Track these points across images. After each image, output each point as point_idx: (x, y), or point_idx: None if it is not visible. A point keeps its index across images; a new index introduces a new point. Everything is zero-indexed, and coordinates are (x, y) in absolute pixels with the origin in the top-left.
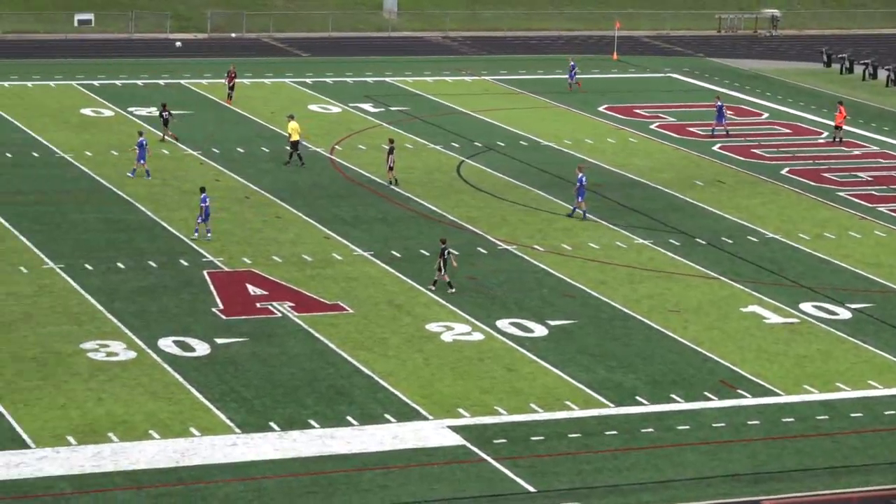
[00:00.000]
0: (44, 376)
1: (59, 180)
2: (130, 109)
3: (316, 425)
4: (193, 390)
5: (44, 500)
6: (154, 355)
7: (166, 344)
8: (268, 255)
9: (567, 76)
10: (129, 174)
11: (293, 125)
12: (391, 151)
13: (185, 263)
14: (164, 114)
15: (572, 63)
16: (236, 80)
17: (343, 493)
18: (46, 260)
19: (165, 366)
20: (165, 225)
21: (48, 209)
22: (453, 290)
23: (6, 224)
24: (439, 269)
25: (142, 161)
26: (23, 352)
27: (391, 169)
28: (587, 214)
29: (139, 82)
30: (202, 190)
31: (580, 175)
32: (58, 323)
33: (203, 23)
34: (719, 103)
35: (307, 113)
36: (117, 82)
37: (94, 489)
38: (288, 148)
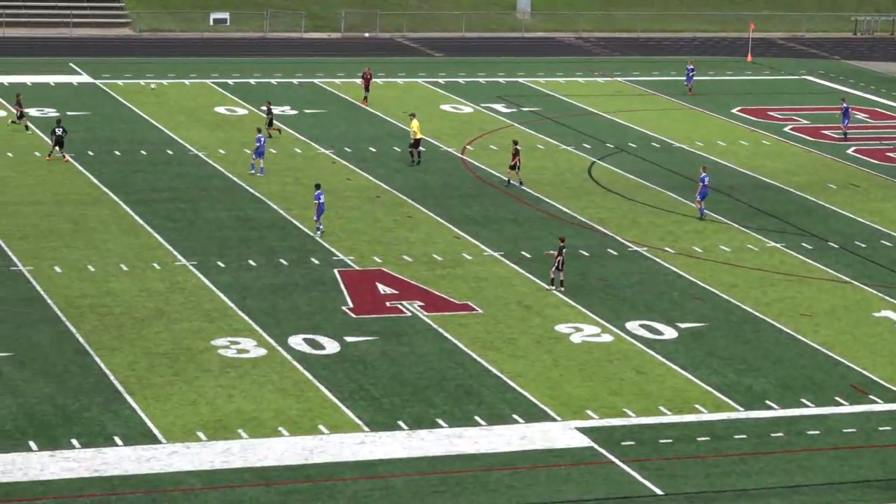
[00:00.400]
0: (175, 372)
1: (193, 178)
2: (264, 108)
3: (444, 425)
4: (322, 388)
5: (173, 495)
6: (284, 353)
7: (296, 342)
8: (398, 255)
9: (685, 79)
10: (250, 172)
11: (415, 124)
12: (516, 153)
13: (316, 262)
14: (269, 112)
15: (690, 66)
16: (372, 80)
17: (470, 492)
18: (179, 257)
19: (295, 363)
20: (297, 223)
21: (182, 206)
22: (562, 290)
23: (140, 221)
24: (558, 268)
25: (259, 157)
26: (155, 348)
27: (514, 168)
28: (704, 213)
29: (273, 81)
30: (317, 186)
31: (703, 175)
32: (190, 319)
33: (337, 22)
34: (845, 105)
35: (439, 113)
36: (251, 81)
37: (223, 485)
38: (410, 148)
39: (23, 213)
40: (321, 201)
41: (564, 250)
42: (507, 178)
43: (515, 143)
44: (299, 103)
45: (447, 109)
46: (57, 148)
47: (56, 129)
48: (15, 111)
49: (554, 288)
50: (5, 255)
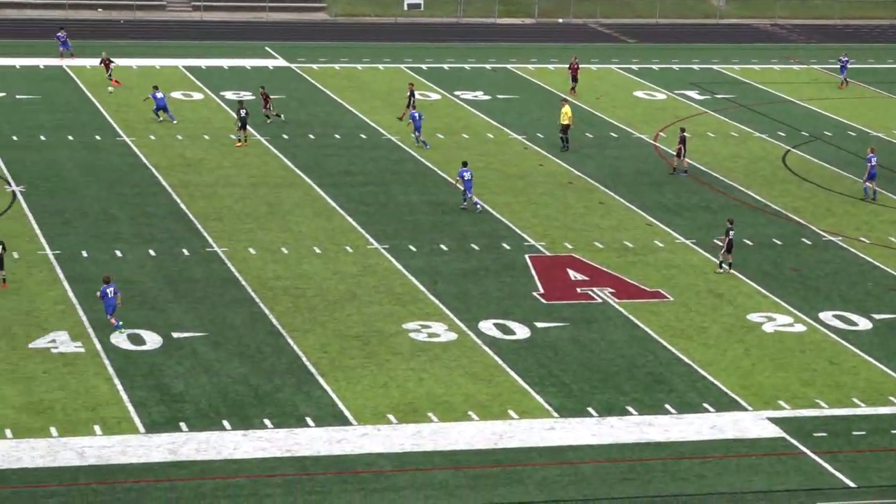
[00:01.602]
0: (367, 355)
1: (386, 162)
2: (457, 93)
3: (634, 412)
4: (512, 373)
5: (364, 476)
6: (475, 337)
7: (487, 326)
8: (589, 241)
9: (839, 71)
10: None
11: (566, 110)
12: (683, 140)
13: (507, 247)
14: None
15: (844, 58)
16: (579, 67)
17: (659, 480)
18: (371, 240)
19: (485, 348)
20: (489, 208)
21: (375, 190)
22: (721, 271)
23: (333, 204)
24: (728, 251)
25: (417, 133)
26: (347, 330)
27: (680, 156)
28: (875, 193)
29: (466, 66)
30: (464, 164)
31: (871, 156)
32: (381, 303)
33: (531, 8)
34: None
35: (632, 99)
36: (444, 66)
37: (413, 468)
38: (560, 134)
39: (218, 195)
40: (466, 178)
41: (732, 232)
42: (673, 167)
43: (683, 130)
44: (492, 89)
45: (640, 96)
46: (242, 130)
47: (240, 111)
48: (261, 104)
49: (723, 271)
50: (201, 237)
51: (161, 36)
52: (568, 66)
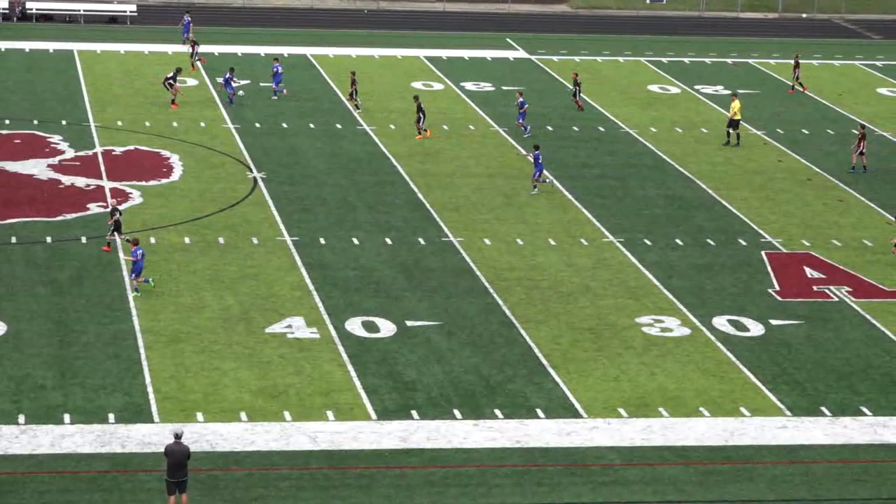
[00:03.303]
0: (599, 348)
1: (624, 155)
2: (697, 87)
3: (868, 413)
4: (745, 370)
5: (593, 469)
6: (708, 333)
7: (720, 322)
8: (827, 239)
9: None
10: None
11: (736, 104)
12: (862, 137)
13: (744, 243)
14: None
15: None
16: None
17: (894, 483)
18: (606, 233)
19: (718, 344)
20: (726, 203)
21: (611, 183)
22: None
23: (570, 196)
24: None
25: (520, 119)
26: (580, 322)
27: (861, 154)
28: None
29: (707, 60)
30: (535, 147)
31: None
32: (615, 296)
33: (774, 2)
34: None
35: (875, 97)
36: (685, 60)
37: (643, 462)
38: (727, 128)
39: (455, 185)
40: (537, 161)
41: None
42: (853, 164)
43: (862, 127)
44: (732, 83)
45: (884, 93)
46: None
47: (418, 105)
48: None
49: None
50: (437, 226)
51: (403, 26)
52: (793, 62)
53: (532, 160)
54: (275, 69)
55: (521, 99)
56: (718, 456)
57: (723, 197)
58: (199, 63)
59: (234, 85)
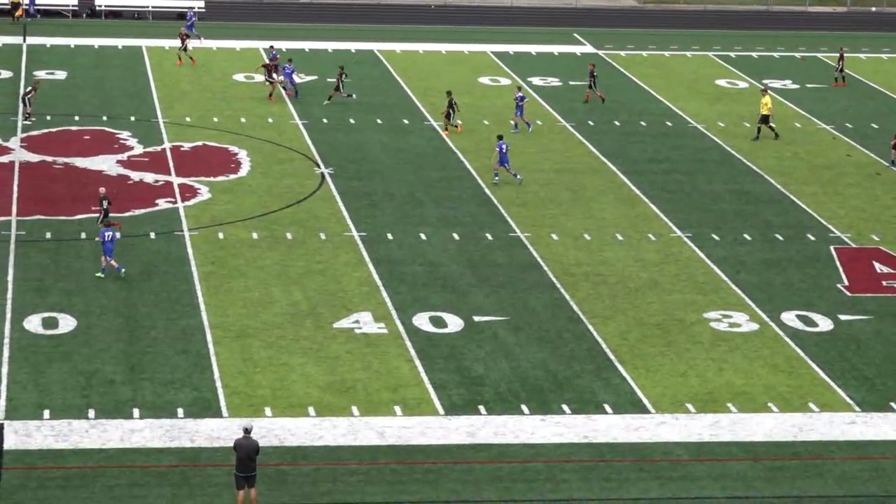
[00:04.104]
0: (666, 343)
1: (691, 150)
2: (766, 82)
3: None
4: (814, 366)
5: (660, 465)
6: (776, 328)
7: (789, 318)
8: None
9: None
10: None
11: (765, 100)
12: None
13: (812, 238)
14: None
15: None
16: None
17: None
18: (674, 228)
19: (787, 339)
20: (794, 199)
21: (679, 178)
22: None
23: (637, 191)
24: None
25: (518, 114)
26: (647, 318)
27: None
28: None
29: (775, 55)
30: (499, 137)
31: None
32: (682, 291)
33: None
34: None
35: None
36: (753, 54)
37: (710, 458)
38: (759, 124)
39: (524, 181)
40: (502, 150)
41: None
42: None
43: None
44: (800, 78)
45: None
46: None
47: (452, 102)
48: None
49: None
50: (504, 221)
51: (470, 21)
52: (838, 56)
53: (497, 151)
54: (285, 69)
55: (520, 93)
56: (787, 452)
57: (791, 192)
58: (184, 53)
59: (295, 79)
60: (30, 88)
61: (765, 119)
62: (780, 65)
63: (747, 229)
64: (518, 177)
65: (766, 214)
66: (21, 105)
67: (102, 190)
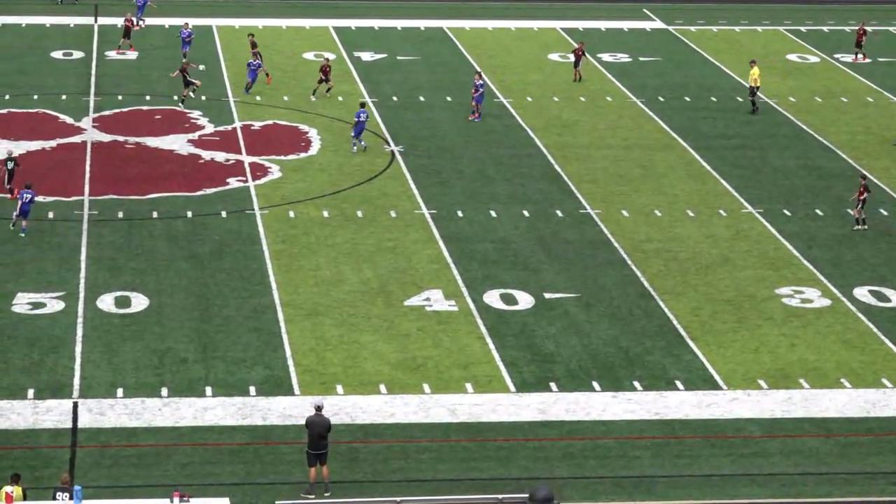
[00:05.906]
0: (738, 319)
1: (763, 125)
2: (836, 56)
3: None
4: (887, 341)
5: (733, 441)
6: (849, 304)
7: (862, 293)
8: None
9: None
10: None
11: (753, 71)
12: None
13: (885, 213)
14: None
15: None
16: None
17: None
18: (745, 204)
19: (860, 315)
20: (866, 173)
21: (750, 154)
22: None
23: (708, 167)
24: None
25: (477, 101)
26: (719, 294)
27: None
28: None
29: (846, 29)
30: (361, 105)
31: None
32: (754, 267)
33: None
34: None
35: None
36: (824, 28)
37: (783, 434)
38: (749, 97)
39: (593, 157)
40: (360, 119)
41: None
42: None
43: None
44: (872, 52)
45: None
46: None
47: (478, 84)
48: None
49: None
50: (574, 198)
51: None
52: (859, 30)
53: (356, 119)
54: (183, 35)
55: (479, 81)
56: (860, 428)
57: (863, 167)
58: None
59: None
60: (178, 70)
61: (752, 91)
62: (852, 39)
63: (819, 204)
64: (364, 144)
65: (838, 189)
66: (185, 87)
67: (9, 151)
